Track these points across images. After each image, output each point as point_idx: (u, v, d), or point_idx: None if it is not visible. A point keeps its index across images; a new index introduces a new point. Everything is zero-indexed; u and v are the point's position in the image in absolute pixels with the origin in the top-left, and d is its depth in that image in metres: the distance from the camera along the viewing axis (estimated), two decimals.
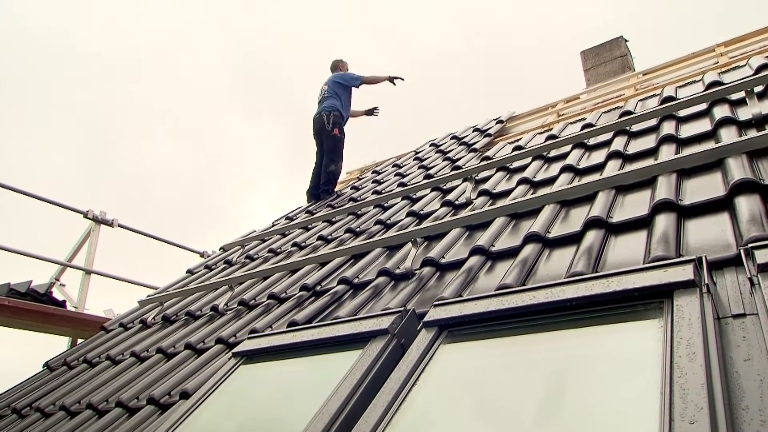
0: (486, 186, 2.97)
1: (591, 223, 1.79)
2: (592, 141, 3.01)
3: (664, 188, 1.80)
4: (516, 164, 3.24)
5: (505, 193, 2.77)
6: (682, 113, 2.76)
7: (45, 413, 2.61)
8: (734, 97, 2.61)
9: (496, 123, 5.03)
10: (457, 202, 2.96)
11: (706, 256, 1.16)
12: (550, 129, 3.99)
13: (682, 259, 1.13)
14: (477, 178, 3.26)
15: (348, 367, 1.39)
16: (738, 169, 1.70)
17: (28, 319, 4.49)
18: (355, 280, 2.44)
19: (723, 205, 1.59)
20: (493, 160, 3.25)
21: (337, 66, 5.60)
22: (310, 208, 4.88)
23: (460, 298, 1.45)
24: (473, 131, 5.13)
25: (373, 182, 4.87)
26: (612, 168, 2.37)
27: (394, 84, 5.40)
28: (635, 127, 2.89)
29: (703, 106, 2.71)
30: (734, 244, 1.34)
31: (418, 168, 4.54)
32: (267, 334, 1.94)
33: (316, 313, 2.21)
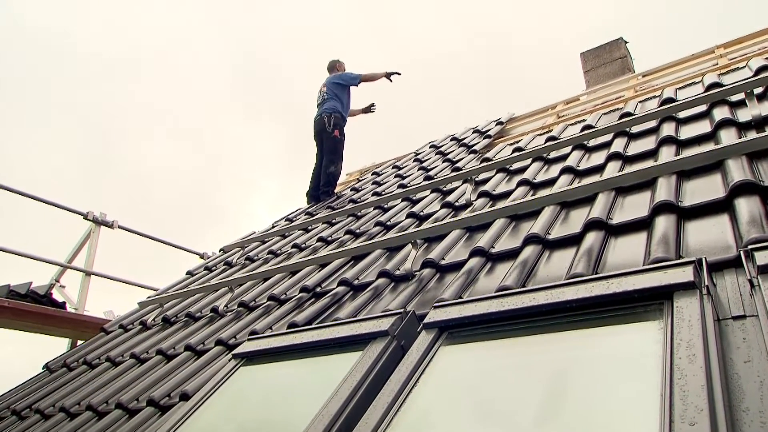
0: (486, 187, 2.97)
1: (591, 225, 1.79)
2: (592, 142, 3.01)
3: (664, 190, 1.80)
4: (516, 166, 3.24)
5: (505, 195, 2.77)
6: (682, 115, 2.77)
7: (45, 415, 2.61)
8: (734, 98, 2.61)
9: (496, 124, 5.04)
10: (457, 204, 2.96)
11: (706, 258, 1.16)
12: (550, 130, 3.99)
13: (682, 260, 1.14)
14: (477, 179, 3.26)
15: (348, 368, 1.39)
16: (738, 170, 1.70)
17: (28, 320, 4.49)
18: (355, 282, 2.44)
19: (723, 206, 1.60)
20: (493, 162, 3.25)
21: (335, 66, 5.60)
22: (310, 209, 4.88)
23: (460, 300, 1.45)
24: (473, 133, 5.13)
25: (373, 184, 4.87)
26: (612, 169, 2.37)
27: (391, 80, 5.40)
28: (635, 129, 2.90)
29: (702, 108, 2.71)
30: (734, 245, 1.34)
31: (418, 169, 4.54)
32: (267, 336, 1.94)
33: (316, 315, 2.21)
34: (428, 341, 1.35)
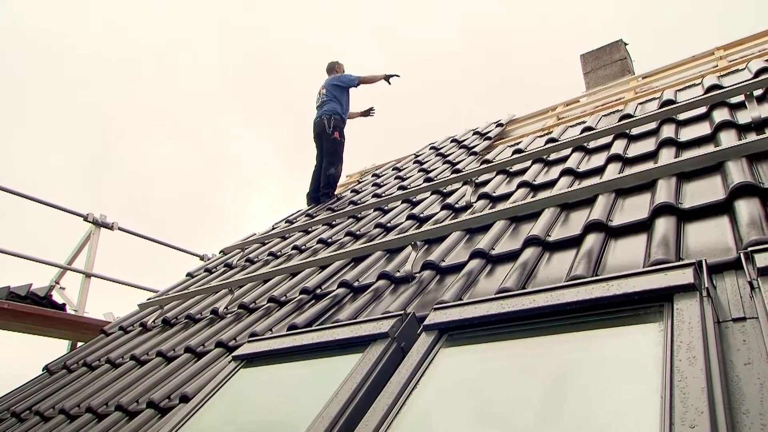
0: (486, 189, 2.97)
1: (591, 227, 1.79)
2: (592, 144, 3.02)
3: (664, 191, 1.80)
4: (516, 167, 3.24)
5: (505, 197, 2.77)
6: (682, 116, 2.77)
7: (45, 417, 2.61)
8: (734, 100, 2.62)
9: (496, 126, 5.04)
10: (457, 206, 2.96)
11: (706, 260, 1.16)
12: (550, 132, 4.00)
13: (682, 262, 1.14)
14: (477, 181, 3.27)
15: (348, 370, 1.39)
16: (738, 172, 1.70)
17: (27, 322, 4.49)
18: (356, 284, 2.44)
19: (723, 208, 1.60)
20: (493, 164, 3.25)
21: (333, 68, 5.61)
22: (310, 211, 4.88)
23: (460, 302, 1.45)
24: (473, 134, 5.14)
25: (373, 185, 4.88)
26: (612, 171, 2.38)
27: (390, 83, 5.42)
28: (635, 131, 2.90)
29: (702, 110, 2.72)
30: (734, 247, 1.35)
31: (418, 171, 4.54)
32: (267, 338, 1.94)
33: (317, 317, 2.21)
34: (428, 343, 1.35)
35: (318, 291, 2.59)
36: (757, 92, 2.48)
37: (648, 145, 2.60)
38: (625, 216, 1.82)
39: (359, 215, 3.83)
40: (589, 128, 3.35)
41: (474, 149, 4.44)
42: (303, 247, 3.60)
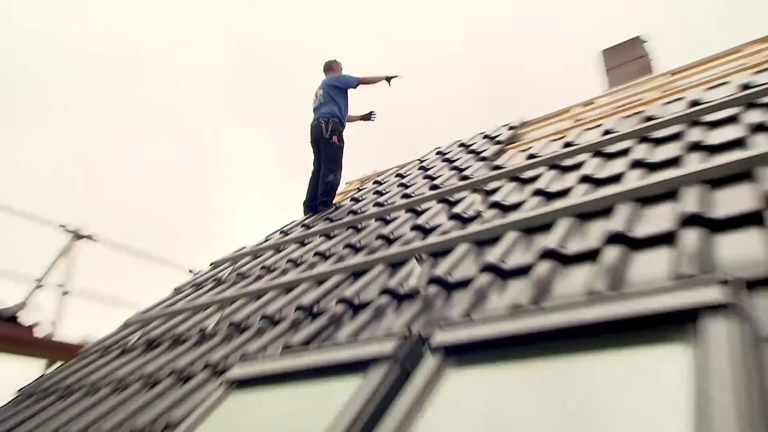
0: (497, 198, 2.98)
1: (610, 238, 1.79)
2: (611, 149, 3.02)
3: (690, 200, 1.80)
4: (529, 174, 3.25)
5: (517, 206, 2.78)
6: (710, 118, 2.77)
7: None
8: None
9: (507, 129, 5.06)
10: (465, 215, 2.96)
11: (737, 275, 1.15)
12: (566, 136, 4.01)
13: (710, 277, 1.13)
14: (487, 189, 3.27)
15: (348, 395, 1.38)
16: None
17: None
18: (356, 300, 2.43)
19: (756, 219, 1.59)
20: (504, 170, 3.25)
21: (331, 67, 5.65)
22: (306, 221, 4.89)
23: (469, 320, 1.45)
24: (482, 138, 5.15)
25: (374, 193, 4.89)
26: (633, 178, 2.38)
27: (390, 84, 5.46)
28: (658, 134, 2.90)
29: (733, 111, 2.72)
30: None
31: (423, 178, 4.56)
32: (259, 360, 1.94)
33: (313, 336, 2.21)
34: (435, 365, 1.34)
35: (315, 308, 2.59)
36: None
37: (673, 150, 2.60)
38: (647, 227, 1.81)
39: (359, 225, 3.84)
40: (608, 131, 3.36)
41: (483, 154, 4.45)
42: (299, 260, 3.60)
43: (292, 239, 4.09)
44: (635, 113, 3.83)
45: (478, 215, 2.88)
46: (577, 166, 3.03)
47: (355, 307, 2.40)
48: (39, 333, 4.89)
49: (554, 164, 3.16)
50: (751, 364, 0.93)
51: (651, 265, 1.60)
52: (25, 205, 5.17)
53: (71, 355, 4.24)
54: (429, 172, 4.68)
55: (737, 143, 2.35)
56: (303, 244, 4.06)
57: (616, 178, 2.53)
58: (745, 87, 3.04)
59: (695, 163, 2.24)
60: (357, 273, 2.82)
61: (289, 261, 3.67)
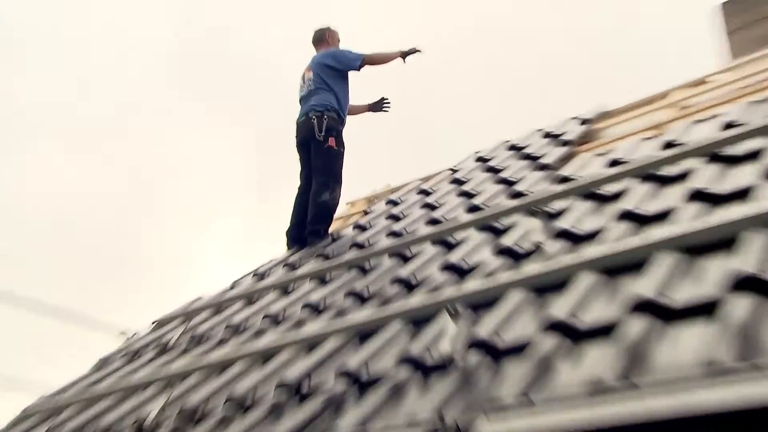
0: (564, 223, 2.96)
1: (738, 283, 1.76)
2: (733, 150, 3.00)
3: None
4: (611, 188, 3.23)
5: (595, 235, 2.76)
6: None
7: None
8: None
9: (578, 124, 5.07)
10: (518, 250, 2.95)
11: None
12: (665, 132, 4.00)
13: None
14: (550, 211, 3.26)
15: None
16: None
17: None
18: (363, 374, 2.43)
19: None
20: (575, 183, 3.25)
21: (323, 38, 5.67)
22: (291, 259, 4.89)
23: (527, 403, 1.44)
24: (542, 138, 5.16)
25: (387, 218, 4.89)
26: None
27: (405, 61, 5.46)
28: None
29: None
30: None
31: (458, 196, 4.56)
32: None
33: (302, 428, 2.20)
34: None
35: (304, 386, 2.58)
36: None
37: None
38: None
39: (367, 265, 3.83)
40: (731, 124, 3.33)
41: (544, 161, 4.45)
42: (281, 315, 3.60)
43: (270, 285, 4.11)
44: None
45: (537, 249, 2.86)
46: (682, 177, 3.01)
47: (362, 384, 2.39)
48: None
49: (649, 174, 3.15)
50: None
51: None
52: None
53: None
54: (465, 188, 4.67)
55: None
56: (286, 292, 4.05)
57: (741, 194, 2.51)
58: None
59: None
60: (364, 334, 2.82)
61: (266, 317, 3.66)
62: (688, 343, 1.69)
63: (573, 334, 2.00)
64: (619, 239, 2.54)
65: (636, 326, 1.82)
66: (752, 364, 1.21)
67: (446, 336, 2.30)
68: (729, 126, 3.31)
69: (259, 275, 4.82)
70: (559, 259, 2.55)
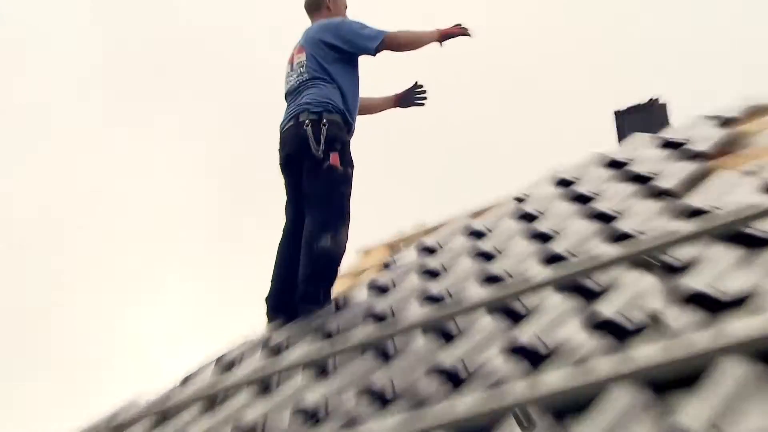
0: (696, 282, 2.90)
1: None
2: None
3: None
4: None
5: (744, 301, 2.68)
6: None
7: None
8: None
9: (716, 125, 5.07)
10: (623, 323, 2.88)
11: None
12: None
13: None
14: (673, 262, 3.18)
15: None
16: None
17: None
18: None
19: None
20: (711, 219, 3.20)
21: (323, 3, 5.74)
22: (274, 338, 4.92)
23: None
24: (657, 147, 5.16)
25: (421, 274, 4.92)
26: None
27: (441, 45, 5.53)
28: None
29: None
30: None
31: (527, 238, 4.57)
32: None
33: None
34: None
35: None
36: None
37: None
38: None
39: (391, 348, 3.80)
40: None
41: (660, 183, 4.43)
42: (259, 429, 3.56)
43: (242, 380, 4.12)
44: None
45: (653, 322, 2.79)
46: None
47: None
48: None
49: None
50: None
51: None
52: None
53: None
54: (539, 226, 4.70)
55: None
56: (266, 389, 4.03)
57: None
58: None
59: None
60: None
61: (237, 430, 3.62)
62: None
63: None
64: None
65: None
66: None
67: None
68: None
69: (226, 364, 4.86)
70: (688, 338, 2.47)
